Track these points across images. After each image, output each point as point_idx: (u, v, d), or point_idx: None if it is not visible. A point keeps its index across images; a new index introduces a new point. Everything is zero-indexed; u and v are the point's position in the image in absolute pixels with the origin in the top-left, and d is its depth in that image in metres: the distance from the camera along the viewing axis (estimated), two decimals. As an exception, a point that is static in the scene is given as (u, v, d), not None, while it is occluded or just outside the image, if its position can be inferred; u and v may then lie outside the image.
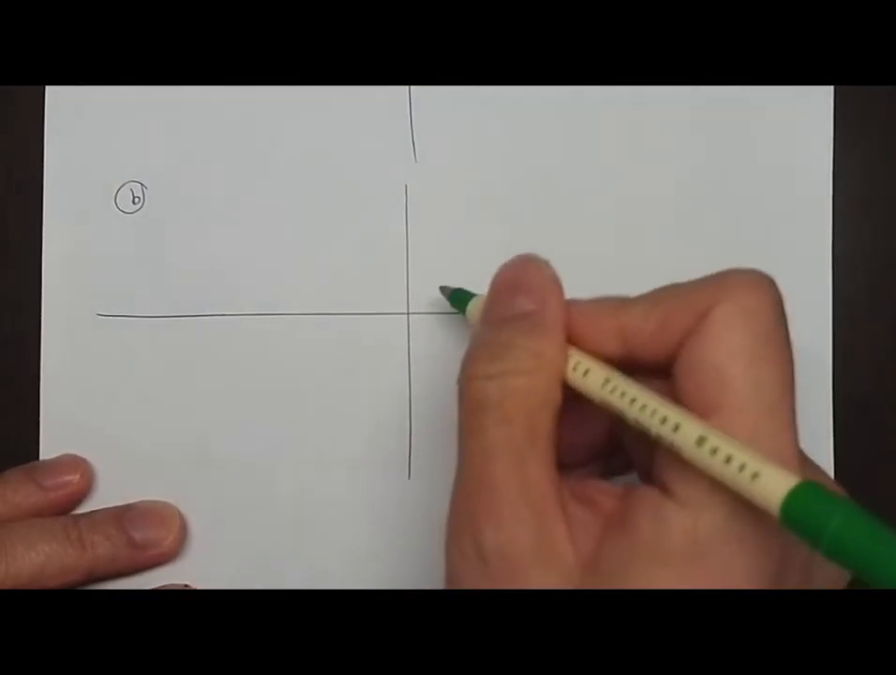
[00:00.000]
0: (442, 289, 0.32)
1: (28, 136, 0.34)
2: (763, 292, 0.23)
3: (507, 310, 0.26)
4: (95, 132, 0.34)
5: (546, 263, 0.26)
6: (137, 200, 0.34)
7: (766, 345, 0.23)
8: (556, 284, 0.26)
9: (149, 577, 0.32)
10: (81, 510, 0.33)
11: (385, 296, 0.33)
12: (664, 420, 0.22)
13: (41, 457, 0.33)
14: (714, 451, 0.21)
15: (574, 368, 0.24)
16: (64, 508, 0.32)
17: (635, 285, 0.33)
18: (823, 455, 0.32)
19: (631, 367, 0.24)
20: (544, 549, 0.23)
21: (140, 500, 0.33)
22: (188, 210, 0.33)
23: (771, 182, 0.33)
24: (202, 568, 0.33)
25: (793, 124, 0.33)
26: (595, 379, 0.24)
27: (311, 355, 0.33)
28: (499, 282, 0.26)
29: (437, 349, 0.33)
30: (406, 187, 0.33)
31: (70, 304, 0.33)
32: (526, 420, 0.24)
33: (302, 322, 0.33)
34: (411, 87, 0.33)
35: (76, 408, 0.33)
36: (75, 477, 0.32)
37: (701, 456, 0.21)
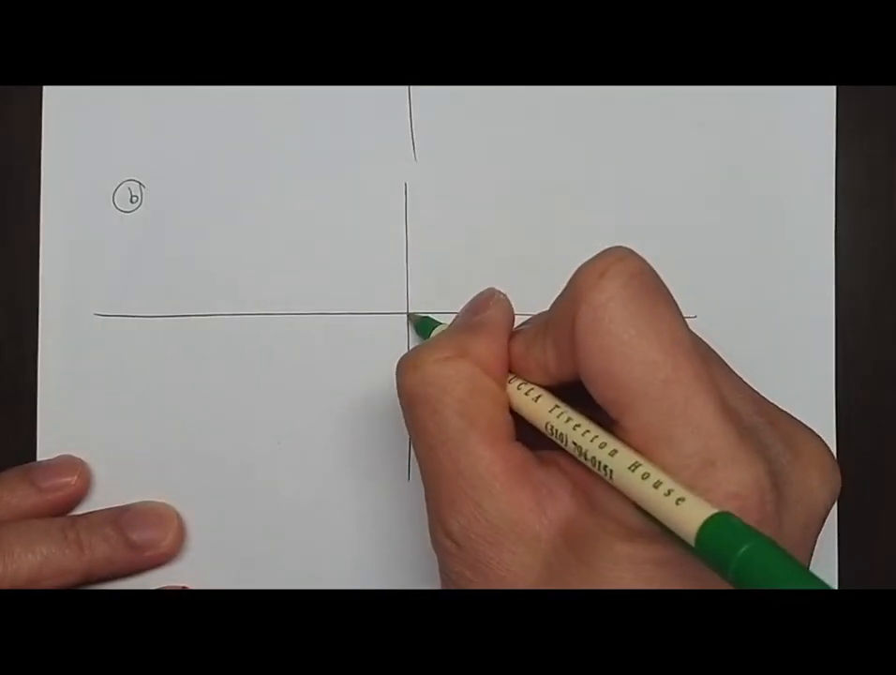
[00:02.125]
0: (410, 316, 0.32)
1: (26, 136, 0.34)
2: (609, 280, 0.23)
3: (455, 324, 0.27)
4: (92, 132, 0.34)
5: (500, 292, 0.28)
6: (135, 199, 0.33)
7: (631, 327, 0.22)
8: (498, 303, 0.27)
9: (147, 579, 0.32)
10: (78, 511, 0.33)
11: (385, 296, 0.33)
12: (602, 445, 0.22)
13: (38, 459, 0.33)
14: (645, 476, 0.21)
15: (527, 393, 0.25)
16: (61, 509, 0.32)
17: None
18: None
19: (571, 394, 0.25)
20: (506, 524, 0.23)
21: (137, 501, 0.33)
22: (187, 209, 0.33)
23: (773, 182, 0.33)
24: (200, 569, 0.33)
25: (795, 124, 0.33)
26: (545, 403, 0.25)
27: (311, 355, 0.33)
28: (462, 309, 0.28)
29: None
30: (406, 186, 0.33)
31: (68, 303, 0.33)
32: (455, 406, 0.24)
33: (301, 321, 0.33)
34: (411, 87, 0.33)
35: (73, 408, 0.33)
36: (72, 478, 0.32)
37: (632, 480, 0.21)
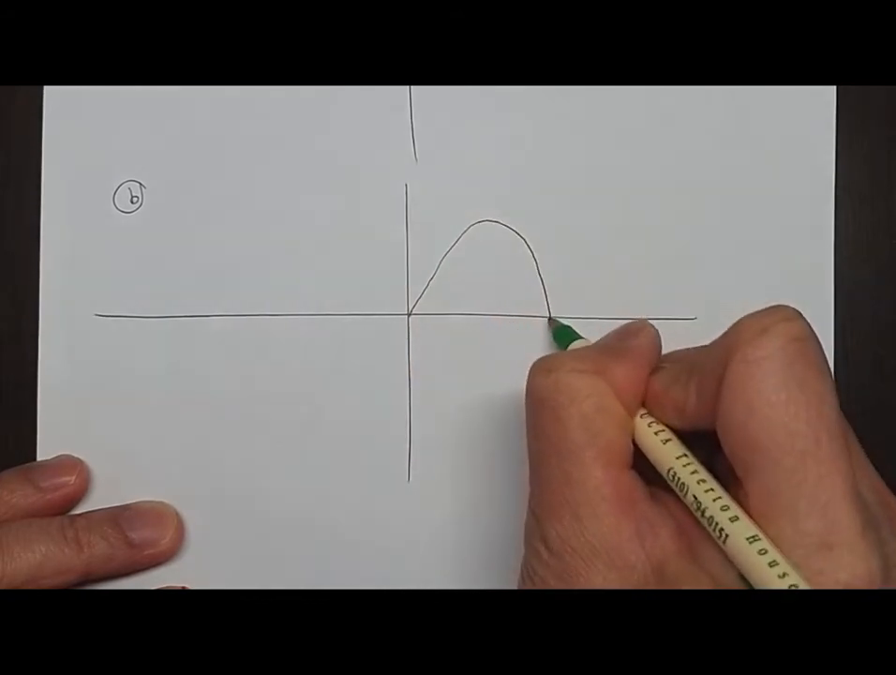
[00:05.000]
0: (550, 320, 0.32)
1: (26, 136, 0.34)
2: (770, 338, 0.22)
3: (602, 343, 0.27)
4: (93, 132, 0.34)
5: (652, 326, 0.27)
6: (135, 199, 0.33)
7: (782, 391, 0.22)
8: (648, 335, 0.27)
9: (146, 578, 0.32)
10: (78, 510, 0.33)
11: (385, 296, 0.33)
12: (724, 508, 0.22)
13: (38, 458, 0.33)
14: (762, 552, 0.21)
15: (656, 433, 0.25)
16: (60, 509, 0.32)
17: (635, 285, 0.33)
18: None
19: (695, 440, 0.24)
20: (603, 547, 0.23)
21: (137, 500, 0.33)
22: (187, 210, 0.33)
23: (774, 181, 0.33)
24: (199, 569, 0.33)
25: (795, 124, 0.33)
26: (673, 449, 0.24)
27: (310, 356, 0.33)
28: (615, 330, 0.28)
29: (437, 349, 0.33)
30: (406, 186, 0.33)
31: (68, 304, 0.33)
32: (580, 420, 0.24)
33: (301, 322, 0.33)
34: (411, 87, 0.33)
35: (73, 408, 0.33)
36: (72, 478, 0.32)
37: (748, 552, 0.21)
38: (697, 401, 0.24)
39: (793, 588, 0.20)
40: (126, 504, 0.32)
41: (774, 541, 0.21)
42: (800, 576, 0.21)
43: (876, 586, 0.21)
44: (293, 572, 0.33)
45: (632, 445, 0.25)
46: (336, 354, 0.33)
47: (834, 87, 0.33)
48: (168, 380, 0.33)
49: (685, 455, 0.24)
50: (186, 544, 0.33)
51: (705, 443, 0.24)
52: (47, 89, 0.34)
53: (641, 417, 0.25)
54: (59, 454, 0.33)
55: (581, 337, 0.31)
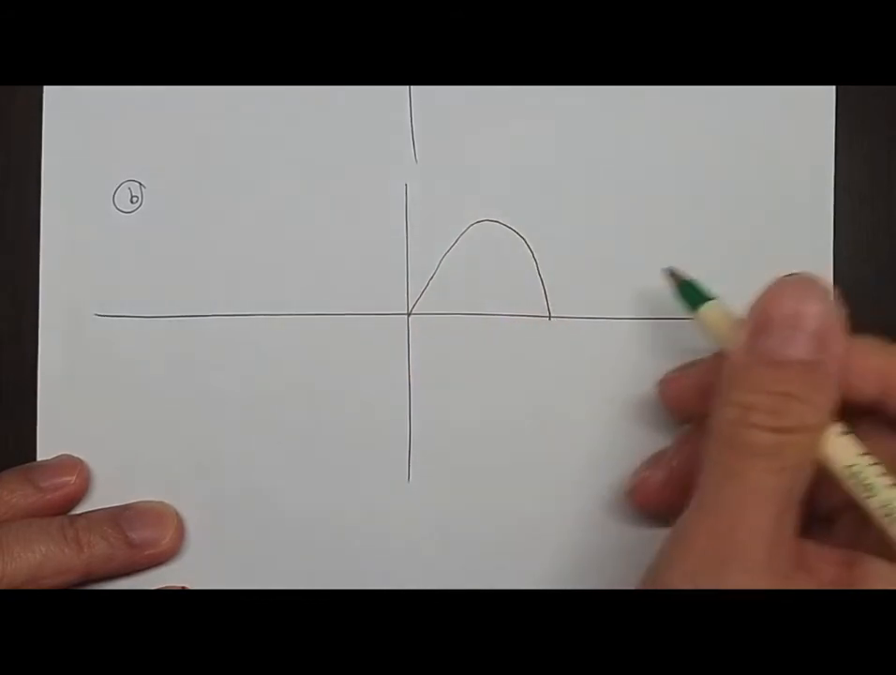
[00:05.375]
0: (672, 274, 0.29)
1: (26, 136, 0.34)
2: None
3: (785, 350, 0.24)
4: (92, 132, 0.34)
5: (829, 294, 0.24)
6: (135, 199, 0.33)
7: None
8: (838, 326, 0.24)
9: (146, 578, 0.32)
10: (78, 511, 0.33)
11: (385, 296, 0.33)
12: None
13: (38, 458, 0.33)
14: None
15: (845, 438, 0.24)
16: (61, 509, 0.32)
17: (636, 285, 0.33)
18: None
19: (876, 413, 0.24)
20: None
21: (137, 500, 0.33)
22: (187, 210, 0.33)
23: (773, 181, 0.33)
24: (199, 569, 0.33)
25: (795, 123, 0.33)
26: (855, 451, 0.23)
27: (310, 356, 0.33)
28: (775, 311, 0.24)
29: (437, 349, 0.33)
30: (406, 186, 0.33)
31: (68, 304, 0.33)
32: (796, 474, 0.23)
33: (301, 322, 0.33)
34: (411, 87, 0.33)
35: (73, 408, 0.33)
36: (72, 478, 0.32)
37: None
38: None
39: None
40: (127, 504, 0.32)
41: None
42: None
43: None
44: (293, 572, 0.33)
45: None
46: (335, 354, 0.33)
47: (834, 87, 0.33)
48: (168, 380, 0.33)
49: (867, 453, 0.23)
50: (186, 544, 0.33)
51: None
52: (47, 89, 0.34)
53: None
54: (59, 454, 0.33)
55: (713, 298, 0.28)
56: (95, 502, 0.33)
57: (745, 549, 0.22)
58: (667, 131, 0.33)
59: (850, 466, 0.23)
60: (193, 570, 0.33)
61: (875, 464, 0.23)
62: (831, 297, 0.24)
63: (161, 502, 0.33)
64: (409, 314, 0.33)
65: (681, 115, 0.33)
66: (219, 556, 0.33)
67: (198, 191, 0.33)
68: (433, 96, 0.33)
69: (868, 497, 0.23)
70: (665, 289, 0.30)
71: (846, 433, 0.24)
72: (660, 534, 0.32)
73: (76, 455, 0.33)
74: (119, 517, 0.32)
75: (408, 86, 0.33)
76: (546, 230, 0.33)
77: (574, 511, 0.32)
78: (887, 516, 0.22)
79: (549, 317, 0.33)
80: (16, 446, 0.33)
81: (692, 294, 0.28)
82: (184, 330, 0.33)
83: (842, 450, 0.23)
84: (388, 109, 0.33)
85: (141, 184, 0.34)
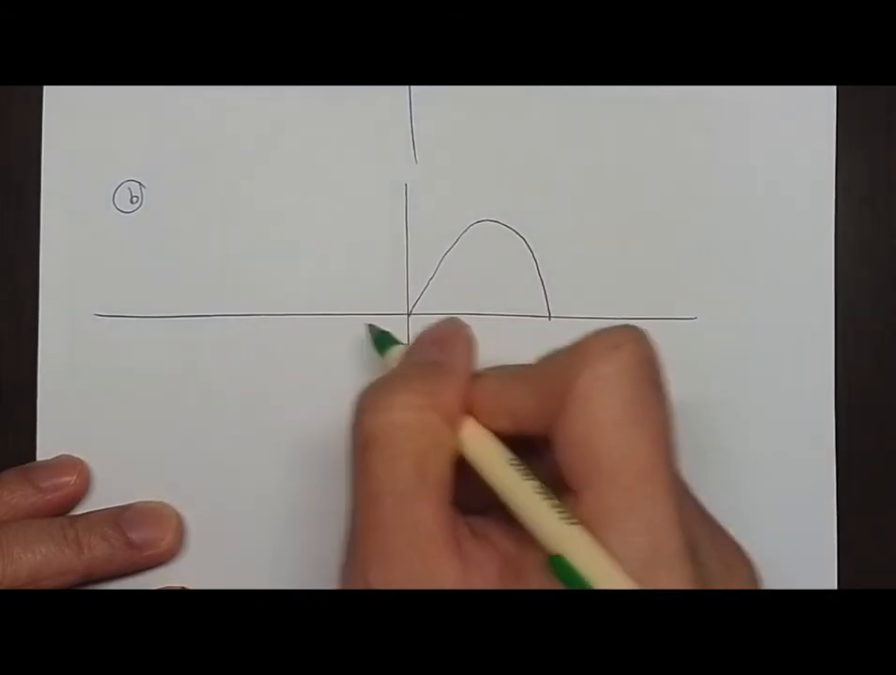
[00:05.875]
0: (370, 327, 0.31)
1: (26, 136, 0.34)
2: (621, 355, 0.23)
3: (418, 357, 0.27)
4: (92, 132, 0.34)
5: (465, 325, 0.27)
6: (135, 199, 0.33)
7: (629, 410, 0.23)
8: (467, 342, 0.27)
9: (147, 578, 0.32)
10: (78, 511, 0.33)
11: (385, 296, 0.33)
12: (560, 513, 0.23)
13: (38, 458, 0.33)
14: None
15: (484, 442, 0.25)
16: (61, 509, 0.32)
17: (635, 285, 0.33)
18: (825, 452, 0.32)
19: (524, 443, 0.24)
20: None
21: (137, 501, 0.33)
22: (187, 210, 0.33)
23: (773, 182, 0.33)
24: (200, 569, 0.33)
25: (795, 124, 0.33)
26: (503, 454, 0.24)
27: (310, 356, 0.33)
28: (421, 336, 0.28)
29: (437, 349, 0.33)
30: (406, 186, 0.33)
31: (68, 304, 0.33)
32: (413, 459, 0.23)
33: (301, 322, 0.33)
34: (411, 87, 0.33)
35: (73, 408, 0.33)
36: (72, 478, 0.32)
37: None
38: (533, 409, 0.24)
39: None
40: (126, 505, 0.32)
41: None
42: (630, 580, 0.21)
43: None
44: (293, 572, 0.33)
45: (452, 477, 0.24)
46: (335, 354, 0.33)
47: (834, 87, 0.33)
48: (168, 379, 0.33)
49: (515, 459, 0.24)
50: (186, 544, 0.33)
51: (526, 453, 0.24)
52: (47, 89, 0.34)
53: (465, 425, 0.25)
54: (59, 454, 0.33)
55: (400, 343, 0.30)
56: (95, 502, 0.33)
57: (379, 542, 0.23)
58: (667, 131, 0.33)
59: (499, 475, 0.24)
60: (193, 570, 0.33)
61: (521, 469, 0.24)
62: (465, 328, 0.27)
63: (161, 503, 0.33)
64: (409, 314, 0.33)
65: (682, 115, 0.33)
66: (219, 556, 0.33)
67: (198, 191, 0.33)
68: (433, 96, 0.33)
69: (514, 501, 0.24)
70: (666, 288, 0.31)
71: (496, 449, 0.24)
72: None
73: (76, 455, 0.33)
74: (119, 517, 0.32)
75: (408, 86, 0.33)
76: (546, 230, 0.33)
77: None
78: (528, 514, 0.23)
79: (549, 317, 0.33)
80: (16, 446, 0.33)
81: (384, 341, 0.30)
82: (184, 330, 0.33)
83: (493, 462, 0.24)
84: (388, 109, 0.33)
85: (141, 184, 0.34)
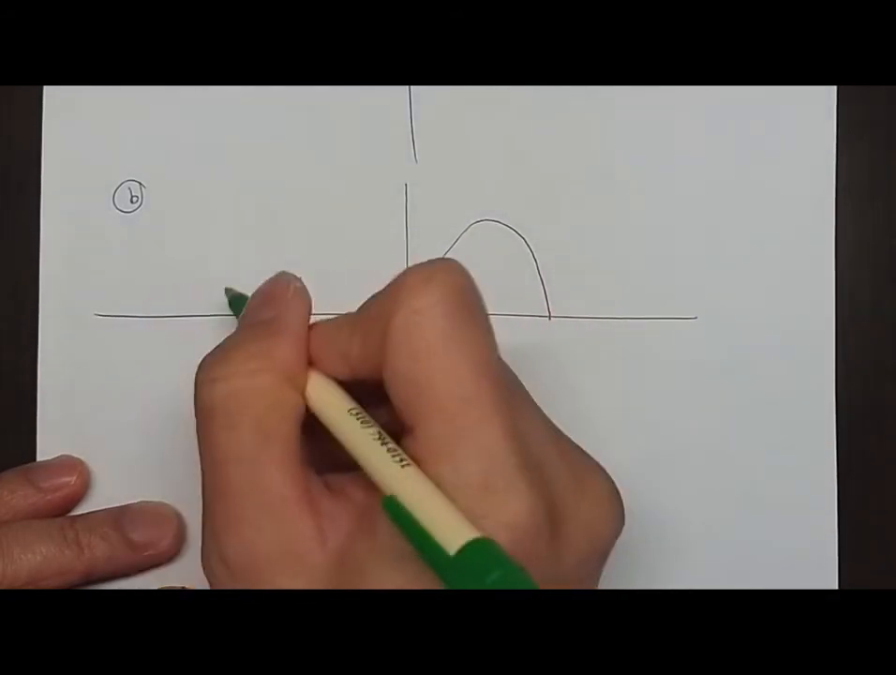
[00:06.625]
0: (226, 290, 0.31)
1: (26, 136, 0.34)
2: (435, 287, 0.23)
3: (250, 319, 0.26)
4: (92, 132, 0.34)
5: (296, 278, 0.27)
6: (135, 199, 0.33)
7: (447, 339, 0.22)
8: (298, 296, 0.26)
9: (147, 578, 0.32)
10: (78, 511, 0.33)
11: (385, 296, 0.33)
12: (394, 454, 0.22)
13: (38, 459, 0.33)
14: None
15: (327, 392, 0.24)
16: (61, 510, 0.32)
17: (636, 285, 0.33)
18: (825, 452, 0.32)
19: (367, 389, 0.24)
20: (287, 553, 0.23)
21: (137, 501, 0.33)
22: (187, 209, 0.33)
23: (774, 181, 0.33)
24: (200, 569, 0.32)
25: (796, 123, 0.33)
26: (341, 404, 0.24)
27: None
28: (252, 297, 0.27)
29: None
30: (406, 186, 0.33)
31: (68, 304, 0.33)
32: (253, 423, 0.23)
33: (301, 322, 0.33)
34: (411, 87, 0.33)
35: (73, 408, 0.33)
36: (72, 478, 0.32)
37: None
38: (362, 351, 0.24)
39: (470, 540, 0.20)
40: (127, 505, 0.32)
41: (438, 485, 0.22)
42: (458, 513, 0.21)
43: (541, 525, 0.22)
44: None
45: (302, 437, 0.24)
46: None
47: (834, 87, 0.33)
48: (168, 379, 0.33)
49: (355, 408, 0.24)
50: (186, 544, 0.33)
51: (373, 398, 0.24)
52: (47, 89, 0.34)
53: (310, 377, 0.25)
54: (59, 454, 0.33)
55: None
56: (95, 502, 0.33)
57: (228, 510, 0.23)
58: (667, 131, 0.33)
59: (342, 425, 0.24)
60: (193, 570, 0.33)
61: (360, 415, 0.24)
62: (295, 281, 0.27)
63: (161, 503, 0.33)
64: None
65: (682, 115, 0.33)
66: (219, 556, 0.33)
67: (198, 191, 0.33)
68: (433, 96, 0.33)
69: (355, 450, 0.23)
70: (666, 288, 0.31)
71: (338, 398, 0.24)
72: (659, 534, 0.32)
73: (76, 455, 0.33)
74: (119, 517, 0.32)
75: (408, 86, 0.33)
76: (546, 230, 0.33)
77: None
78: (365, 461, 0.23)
79: (549, 317, 0.33)
80: (16, 446, 0.33)
81: (240, 304, 0.30)
82: (184, 330, 0.33)
83: (335, 410, 0.24)
84: (388, 109, 0.33)
85: (141, 184, 0.34)
